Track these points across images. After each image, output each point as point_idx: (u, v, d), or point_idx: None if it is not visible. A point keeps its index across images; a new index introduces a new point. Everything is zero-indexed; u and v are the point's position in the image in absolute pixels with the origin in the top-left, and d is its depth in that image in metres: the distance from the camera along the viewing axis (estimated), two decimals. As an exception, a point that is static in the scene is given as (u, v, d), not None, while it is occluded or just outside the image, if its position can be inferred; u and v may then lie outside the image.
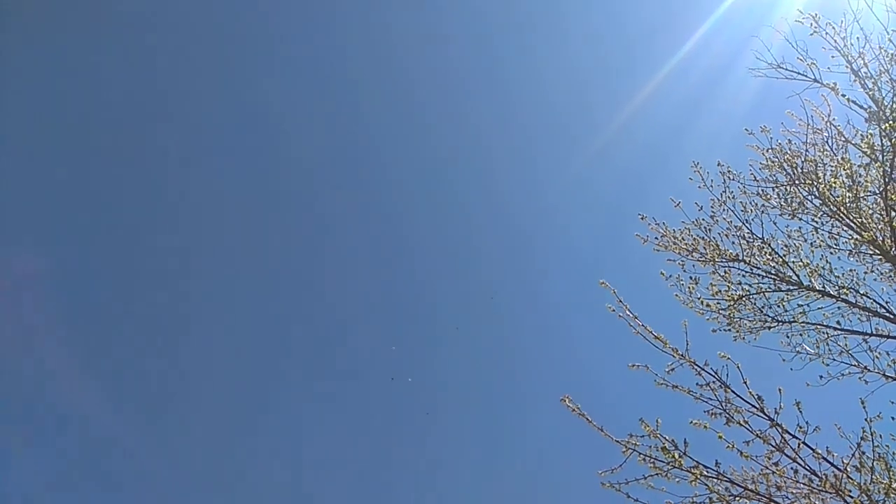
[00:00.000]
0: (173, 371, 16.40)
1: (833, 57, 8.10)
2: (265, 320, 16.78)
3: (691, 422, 7.15)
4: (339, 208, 16.58)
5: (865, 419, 6.36)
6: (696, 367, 7.10)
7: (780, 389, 6.90)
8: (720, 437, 6.75)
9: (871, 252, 7.91)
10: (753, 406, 6.83)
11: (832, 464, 6.40)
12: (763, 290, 8.34)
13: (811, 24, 8.21)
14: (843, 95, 8.12)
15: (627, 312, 7.70)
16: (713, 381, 6.97)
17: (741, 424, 6.61)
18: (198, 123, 15.86)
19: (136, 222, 16.15)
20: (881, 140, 7.48)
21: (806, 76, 8.49)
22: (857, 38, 8.00)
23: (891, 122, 7.56)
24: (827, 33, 8.23)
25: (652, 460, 6.40)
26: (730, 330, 8.45)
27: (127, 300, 16.16)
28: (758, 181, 8.68)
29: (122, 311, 16.20)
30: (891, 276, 7.96)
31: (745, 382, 6.42)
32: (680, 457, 6.37)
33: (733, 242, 8.60)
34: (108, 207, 16.00)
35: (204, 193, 16.39)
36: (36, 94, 14.89)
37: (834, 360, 8.00)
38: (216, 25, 15.21)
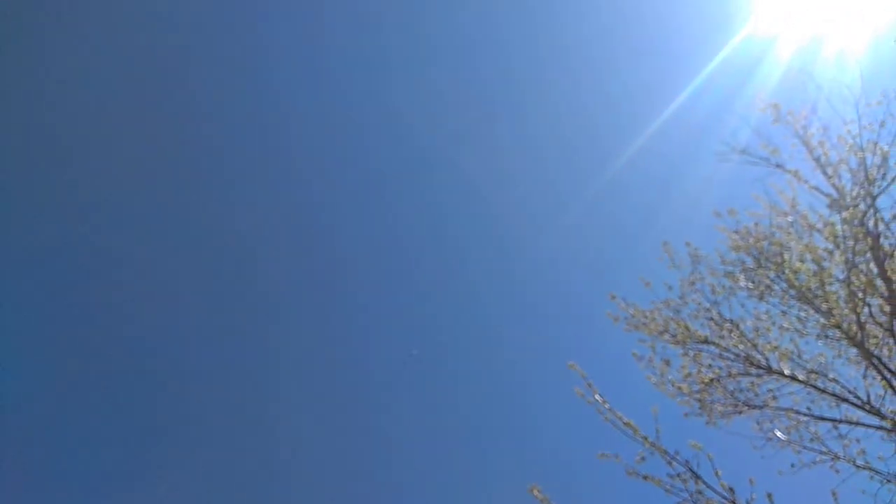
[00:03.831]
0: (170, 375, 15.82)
1: (793, 145, 8.36)
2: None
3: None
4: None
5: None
6: (666, 456, 7.01)
7: (751, 480, 6.81)
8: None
9: (838, 337, 7.93)
10: (725, 498, 6.72)
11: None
12: (734, 373, 8.30)
13: (773, 114, 8.49)
14: (806, 182, 8.33)
15: (597, 397, 7.63)
16: (684, 472, 6.87)
17: (712, 517, 6.49)
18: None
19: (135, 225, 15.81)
20: (842, 228, 7.63)
21: (769, 161, 8.72)
22: (817, 127, 8.28)
23: (851, 209, 7.73)
24: (788, 122, 8.51)
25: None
26: (702, 414, 8.35)
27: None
28: (726, 263, 8.76)
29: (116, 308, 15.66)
30: (858, 361, 7.97)
31: (717, 474, 6.31)
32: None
33: (703, 324, 8.59)
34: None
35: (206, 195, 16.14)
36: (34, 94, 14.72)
37: (805, 447, 7.92)
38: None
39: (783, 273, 8.05)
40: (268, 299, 16.70)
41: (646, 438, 7.07)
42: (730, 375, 8.36)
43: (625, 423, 7.34)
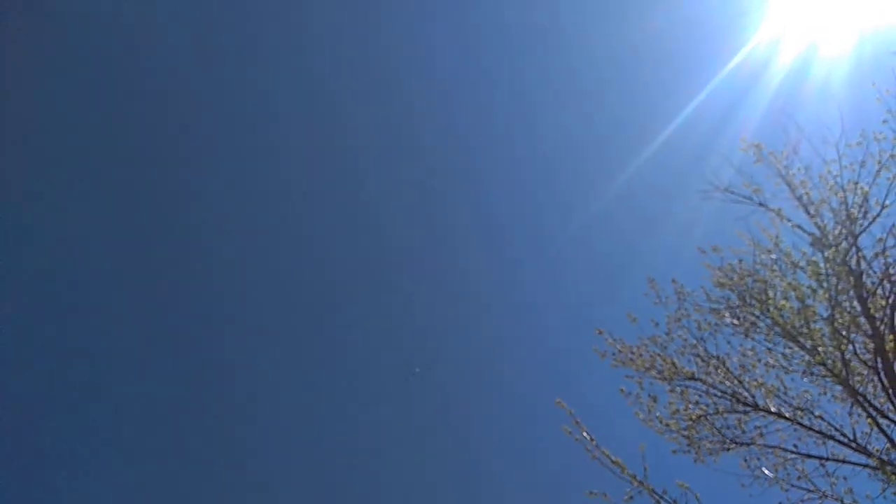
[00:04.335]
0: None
1: (776, 184, 8.50)
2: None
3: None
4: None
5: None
6: (654, 494, 6.98)
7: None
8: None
9: (823, 374, 7.98)
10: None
11: None
12: (721, 410, 8.31)
13: (755, 153, 8.65)
14: (789, 221, 8.44)
15: (584, 434, 7.61)
16: (672, 511, 6.84)
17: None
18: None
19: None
20: (825, 266, 7.73)
21: (752, 200, 8.84)
22: (799, 167, 8.43)
23: (834, 248, 7.84)
24: (771, 161, 8.66)
25: None
26: (690, 451, 8.31)
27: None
28: (711, 300, 8.82)
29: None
30: (844, 399, 8.01)
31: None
32: None
33: (689, 360, 8.62)
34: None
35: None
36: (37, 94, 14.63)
37: (793, 485, 7.89)
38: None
39: (768, 310, 8.11)
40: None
41: (633, 476, 7.04)
42: (717, 412, 8.36)
43: (612, 461, 7.32)
